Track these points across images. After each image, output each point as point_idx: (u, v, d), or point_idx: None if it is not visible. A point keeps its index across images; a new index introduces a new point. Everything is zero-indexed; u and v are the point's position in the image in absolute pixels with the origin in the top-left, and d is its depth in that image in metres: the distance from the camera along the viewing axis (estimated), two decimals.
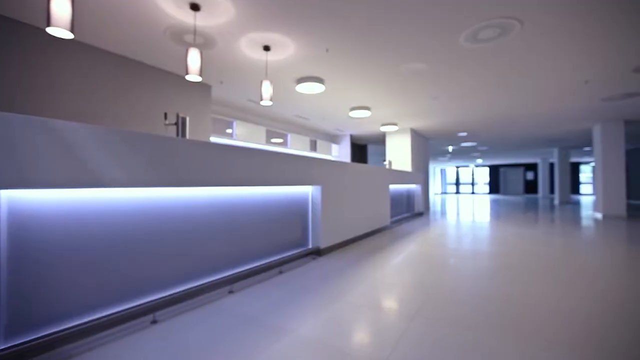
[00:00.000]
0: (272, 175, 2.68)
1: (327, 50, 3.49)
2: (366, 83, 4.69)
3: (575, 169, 20.68)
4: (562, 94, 5.16)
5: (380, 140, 10.18)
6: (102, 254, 1.63)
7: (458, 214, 8.11)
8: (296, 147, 7.47)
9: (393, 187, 6.21)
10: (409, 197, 7.31)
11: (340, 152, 9.34)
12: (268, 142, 6.69)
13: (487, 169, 23.31)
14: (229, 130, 5.81)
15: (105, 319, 1.58)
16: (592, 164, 20.58)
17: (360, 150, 11.20)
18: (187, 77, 2.57)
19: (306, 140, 7.83)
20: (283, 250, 2.97)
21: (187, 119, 2.48)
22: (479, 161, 20.07)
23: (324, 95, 5.33)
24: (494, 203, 12.72)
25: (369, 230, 4.56)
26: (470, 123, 7.52)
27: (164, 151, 1.80)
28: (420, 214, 7.67)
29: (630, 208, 9.17)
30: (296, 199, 3.23)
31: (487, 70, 4.15)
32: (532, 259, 3.22)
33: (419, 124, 7.64)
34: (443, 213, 8.30)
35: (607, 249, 3.76)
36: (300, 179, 3.09)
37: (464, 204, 12.36)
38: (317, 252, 3.39)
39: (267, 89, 3.32)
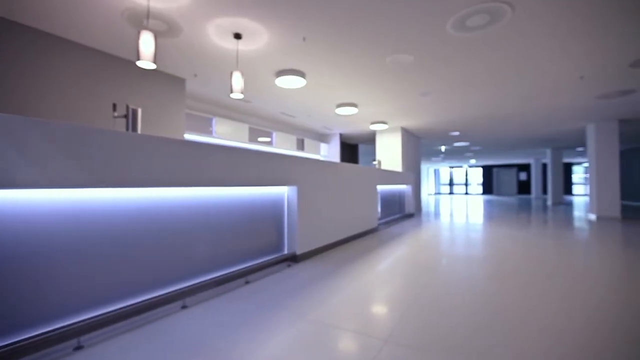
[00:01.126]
0: (239, 175, 2.40)
1: (304, 39, 3.22)
2: (351, 77, 4.43)
3: (567, 169, 20.68)
4: (556, 90, 4.95)
5: (371, 139, 9.94)
6: (7, 269, 1.33)
7: (450, 215, 7.89)
8: (282, 146, 7.18)
9: (382, 187, 5.96)
10: (399, 198, 7.07)
11: (330, 152, 9.08)
12: (253, 140, 6.40)
13: (481, 170, 23.24)
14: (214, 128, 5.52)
15: (10, 348, 1.29)
16: (585, 164, 20.60)
17: (351, 150, 10.95)
18: (139, 63, 2.27)
19: (293, 139, 7.55)
20: (253, 257, 2.69)
21: (140, 111, 2.19)
22: (472, 161, 19.96)
23: (307, 91, 5.06)
24: (486, 204, 12.56)
25: (354, 233, 4.30)
26: (462, 122, 7.31)
27: (94, 146, 1.51)
28: (411, 216, 7.44)
29: (624, 209, 9.08)
30: (269, 200, 2.95)
31: (478, 63, 3.91)
32: (526, 266, 2.99)
33: (410, 122, 7.41)
34: (435, 214, 8.08)
35: (604, 253, 3.54)
36: (273, 179, 2.81)
37: (457, 204, 12.18)
38: (293, 259, 3.12)
39: (237, 80, 3.03)
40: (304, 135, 8.54)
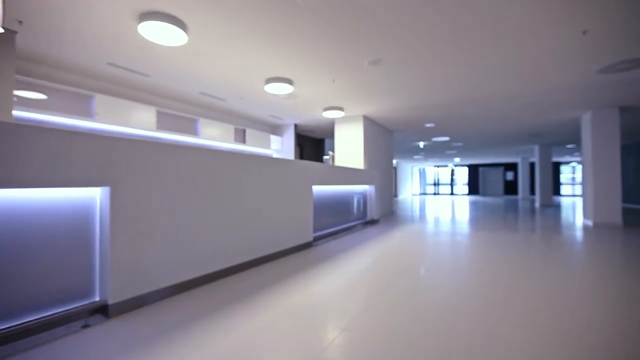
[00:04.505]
0: None
1: None
2: (270, 39, 3.07)
3: (555, 169, 19.74)
4: (545, 61, 3.67)
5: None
6: None
7: (425, 221, 6.60)
8: (212, 136, 5.77)
9: (328, 189, 4.61)
10: (358, 202, 5.74)
11: (284, 146, 7.69)
12: (162, 128, 4.97)
13: (467, 169, 22.19)
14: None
15: None
16: (574, 163, 19.71)
17: (315, 145, 9.59)
18: None
19: (229, 129, 6.14)
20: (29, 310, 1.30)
21: None
22: (457, 160, 18.85)
23: (208, 56, 3.67)
24: (471, 205, 11.36)
25: (255, 256, 2.92)
26: (433, 108, 6.01)
27: None
28: (373, 222, 6.11)
29: (624, 213, 7.88)
30: (55, 214, 1.57)
31: (440, 20, 2.58)
32: (515, 303, 1.66)
33: (371, 109, 6.08)
34: (408, 219, 6.78)
35: (609, 277, 2.25)
36: (54, 177, 1.43)
37: (438, 207, 10.94)
38: (104, 311, 1.75)
39: None
40: (250, 125, 7.13)
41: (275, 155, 7.65)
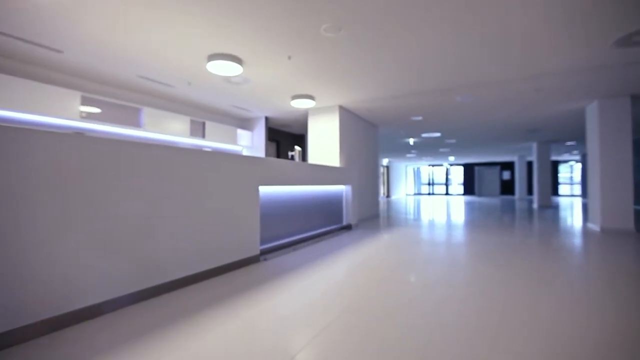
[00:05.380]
0: None
1: None
2: (207, 6, 2.29)
3: (553, 168, 19.04)
4: (551, 29, 2.90)
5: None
6: None
7: (411, 225, 5.81)
8: (160, 129, 4.95)
9: (284, 190, 3.82)
10: (329, 205, 4.96)
11: (255, 142, 6.88)
12: (89, 118, 4.16)
13: (462, 168, 21.47)
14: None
15: None
16: (572, 162, 19.03)
17: (294, 141, 8.79)
18: None
19: (184, 120, 5.32)
20: None
21: None
22: (452, 159, 18.11)
23: (138, 30, 2.87)
24: (465, 207, 10.61)
25: (154, 283, 2.10)
26: (417, 98, 5.24)
27: None
28: (347, 228, 5.33)
29: (637, 217, 7.08)
30: None
31: None
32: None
33: (347, 98, 5.30)
34: (392, 224, 5.99)
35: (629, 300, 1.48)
36: None
37: (429, 209, 10.17)
38: None
39: None
40: (212, 118, 6.32)
41: (245, 153, 6.85)
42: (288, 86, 4.69)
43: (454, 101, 5.43)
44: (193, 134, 5.50)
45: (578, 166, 18.38)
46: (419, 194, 23.38)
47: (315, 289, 2.27)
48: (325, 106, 5.76)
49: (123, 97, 4.73)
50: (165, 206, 2.18)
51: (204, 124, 5.72)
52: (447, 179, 22.41)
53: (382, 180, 17.34)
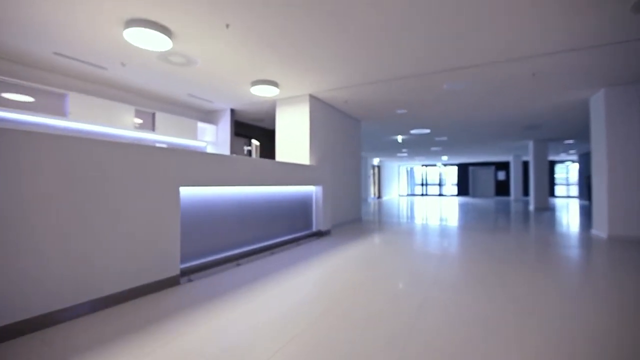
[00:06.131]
0: None
1: None
2: None
3: (550, 168, 18.47)
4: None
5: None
6: None
7: (396, 231, 5.10)
8: (92, 118, 4.19)
9: (230, 191, 3.09)
10: (298, 208, 4.24)
11: (220, 137, 6.14)
12: None
13: (456, 168, 20.85)
14: None
15: None
16: (569, 162, 18.48)
17: (269, 137, 8.04)
18: None
19: (128, 110, 4.56)
20: None
21: None
22: (445, 158, 17.46)
23: None
24: (459, 209, 9.93)
25: (23, 317, 1.37)
26: (397, 85, 4.53)
27: None
28: (318, 235, 4.60)
29: None
30: None
31: None
32: None
33: (317, 85, 4.57)
34: (373, 229, 5.27)
35: None
36: None
37: (421, 211, 9.49)
38: None
39: None
40: (166, 109, 5.55)
41: (209, 149, 6.10)
42: (245, 69, 3.96)
43: (439, 90, 4.72)
44: (142, 126, 4.74)
45: (575, 167, 17.83)
46: (413, 194, 22.72)
47: (242, 326, 1.54)
48: (293, 95, 5.04)
49: (40, 79, 3.94)
50: (20, 216, 1.43)
51: (153, 115, 4.96)
52: (440, 179, 21.78)
53: (372, 180, 16.64)
